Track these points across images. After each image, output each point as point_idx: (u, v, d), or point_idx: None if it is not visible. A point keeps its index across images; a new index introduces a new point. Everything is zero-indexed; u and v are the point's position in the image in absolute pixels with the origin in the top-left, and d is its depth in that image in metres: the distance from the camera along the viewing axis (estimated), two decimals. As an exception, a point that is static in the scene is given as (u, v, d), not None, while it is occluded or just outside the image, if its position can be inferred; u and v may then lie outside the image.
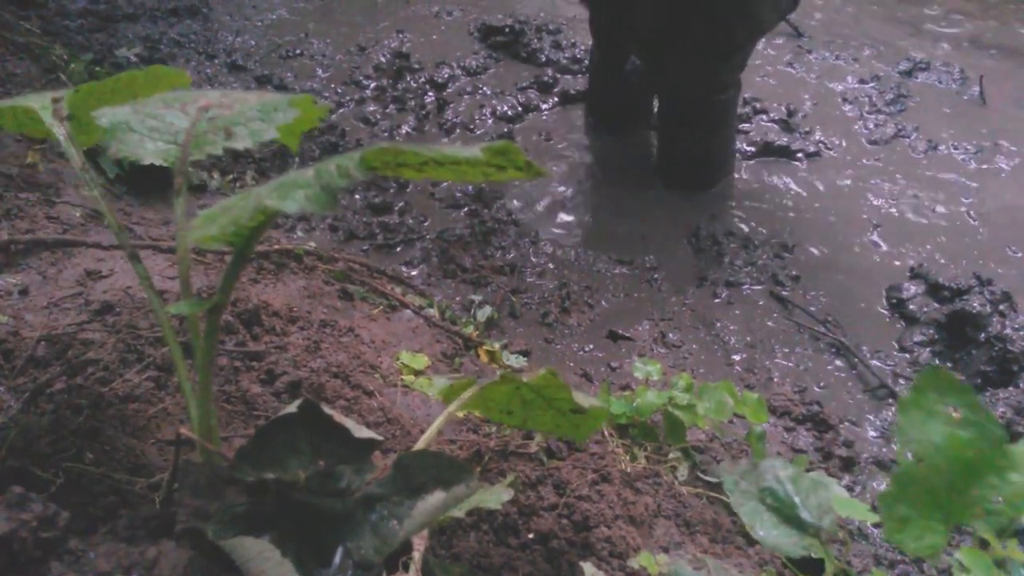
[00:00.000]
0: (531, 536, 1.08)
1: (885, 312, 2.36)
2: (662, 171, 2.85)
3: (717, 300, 2.37)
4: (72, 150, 0.94)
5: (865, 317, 2.33)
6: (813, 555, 0.97)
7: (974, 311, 2.18)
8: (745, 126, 3.13)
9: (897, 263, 2.53)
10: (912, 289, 2.37)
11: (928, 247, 2.59)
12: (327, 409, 0.83)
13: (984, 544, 0.80)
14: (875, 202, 2.80)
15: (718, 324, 2.26)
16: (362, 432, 0.82)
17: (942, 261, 2.52)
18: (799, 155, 3.00)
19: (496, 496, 0.95)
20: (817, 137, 3.11)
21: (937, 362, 2.17)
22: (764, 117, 3.19)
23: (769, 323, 2.29)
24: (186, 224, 0.78)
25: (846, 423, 1.94)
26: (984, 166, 3.00)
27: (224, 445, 1.05)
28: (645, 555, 1.08)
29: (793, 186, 2.87)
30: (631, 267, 2.47)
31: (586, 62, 3.36)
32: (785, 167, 2.96)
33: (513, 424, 1.08)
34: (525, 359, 1.88)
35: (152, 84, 1.02)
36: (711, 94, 2.62)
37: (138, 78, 1.01)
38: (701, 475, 1.41)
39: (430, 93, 3.18)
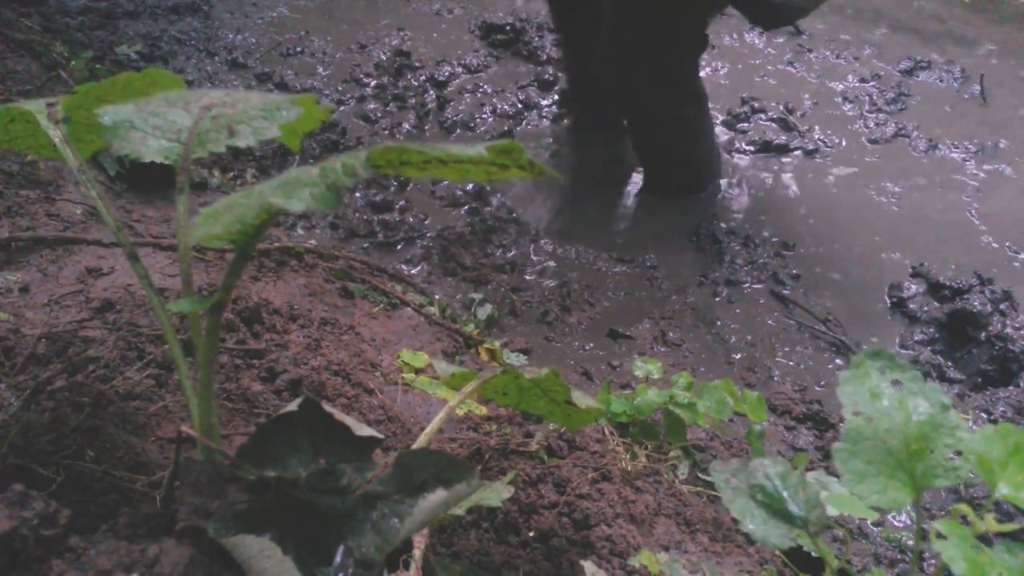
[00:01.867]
0: (531, 534, 1.08)
1: (886, 311, 2.36)
2: (649, 185, 2.85)
3: (717, 299, 2.37)
4: (68, 151, 0.94)
5: (866, 316, 2.33)
6: (812, 554, 0.98)
7: (975, 310, 2.18)
8: (744, 125, 3.13)
9: (897, 262, 2.53)
10: (913, 288, 2.37)
11: (928, 246, 2.59)
12: (328, 407, 0.83)
13: (965, 522, 0.81)
14: (876, 201, 2.80)
15: (718, 323, 2.26)
16: (363, 430, 0.82)
17: (942, 260, 2.52)
18: (800, 154, 3.00)
19: (496, 494, 0.95)
20: (817, 136, 3.11)
21: (938, 361, 2.17)
22: (763, 116, 3.19)
23: (769, 322, 2.29)
24: (188, 222, 0.78)
25: (846, 422, 1.94)
26: (985, 166, 3.00)
27: (225, 443, 1.05)
28: (645, 553, 1.08)
29: (794, 185, 2.87)
30: (631, 266, 2.47)
31: None
32: (786, 166, 2.96)
33: (506, 404, 1.08)
34: (525, 357, 1.88)
35: (148, 87, 1.02)
36: (672, 108, 2.60)
37: (135, 80, 1.02)
38: (701, 474, 1.41)
39: (431, 91, 3.18)
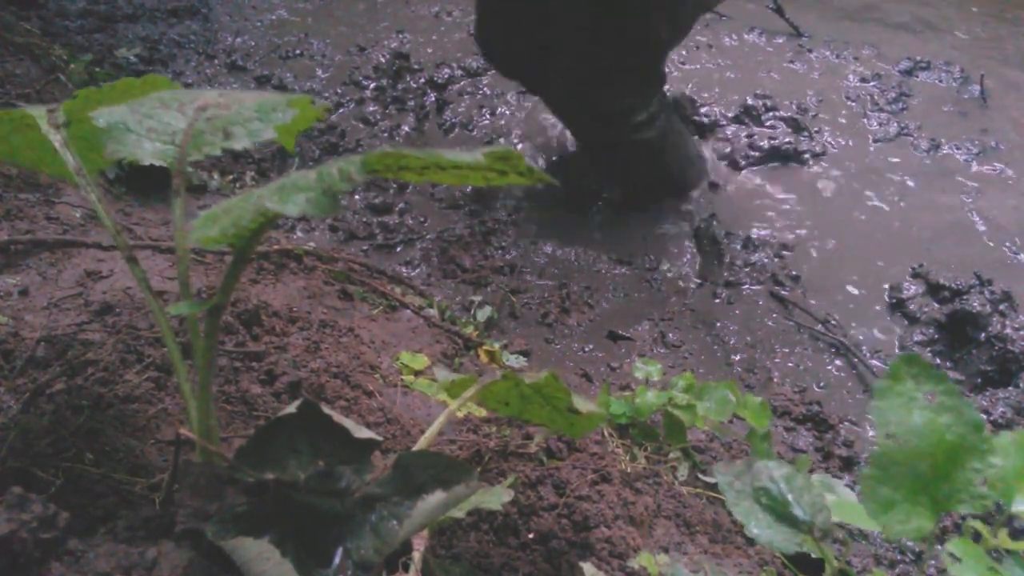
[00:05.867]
0: (531, 536, 1.08)
1: (885, 312, 2.35)
2: (632, 201, 2.75)
3: (717, 300, 2.37)
4: (68, 154, 0.94)
5: (865, 317, 2.33)
6: (812, 555, 0.97)
7: (974, 311, 2.17)
8: (746, 124, 3.13)
9: (897, 263, 2.52)
10: (912, 289, 2.37)
11: (928, 247, 2.59)
12: (327, 409, 0.83)
13: (976, 536, 0.80)
14: (876, 201, 2.80)
15: (718, 324, 2.26)
16: (362, 432, 0.82)
17: (942, 261, 2.52)
18: (804, 155, 2.99)
19: (496, 496, 0.95)
20: (821, 136, 3.10)
21: (938, 362, 2.17)
22: (767, 116, 3.18)
23: (769, 323, 2.29)
24: (184, 225, 0.79)
25: (846, 423, 1.94)
26: (985, 166, 3.00)
27: (224, 445, 1.05)
28: (645, 555, 1.08)
29: (794, 185, 2.87)
30: (631, 267, 2.47)
31: None
32: (786, 166, 2.96)
33: (508, 414, 1.08)
34: (525, 359, 1.88)
35: (147, 93, 1.02)
36: (633, 133, 2.44)
37: (134, 86, 1.02)
38: (701, 475, 1.41)
39: (430, 93, 3.18)
